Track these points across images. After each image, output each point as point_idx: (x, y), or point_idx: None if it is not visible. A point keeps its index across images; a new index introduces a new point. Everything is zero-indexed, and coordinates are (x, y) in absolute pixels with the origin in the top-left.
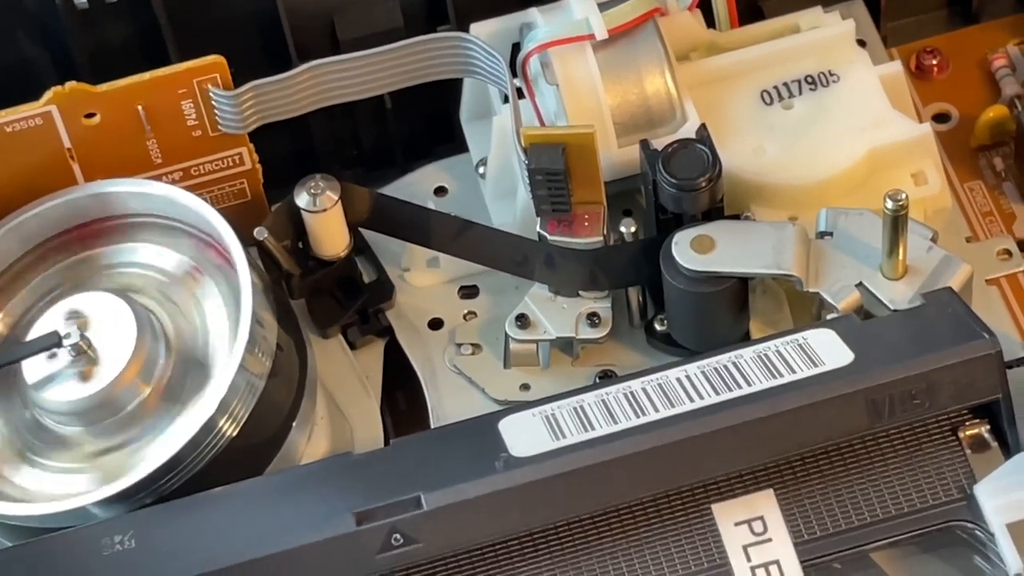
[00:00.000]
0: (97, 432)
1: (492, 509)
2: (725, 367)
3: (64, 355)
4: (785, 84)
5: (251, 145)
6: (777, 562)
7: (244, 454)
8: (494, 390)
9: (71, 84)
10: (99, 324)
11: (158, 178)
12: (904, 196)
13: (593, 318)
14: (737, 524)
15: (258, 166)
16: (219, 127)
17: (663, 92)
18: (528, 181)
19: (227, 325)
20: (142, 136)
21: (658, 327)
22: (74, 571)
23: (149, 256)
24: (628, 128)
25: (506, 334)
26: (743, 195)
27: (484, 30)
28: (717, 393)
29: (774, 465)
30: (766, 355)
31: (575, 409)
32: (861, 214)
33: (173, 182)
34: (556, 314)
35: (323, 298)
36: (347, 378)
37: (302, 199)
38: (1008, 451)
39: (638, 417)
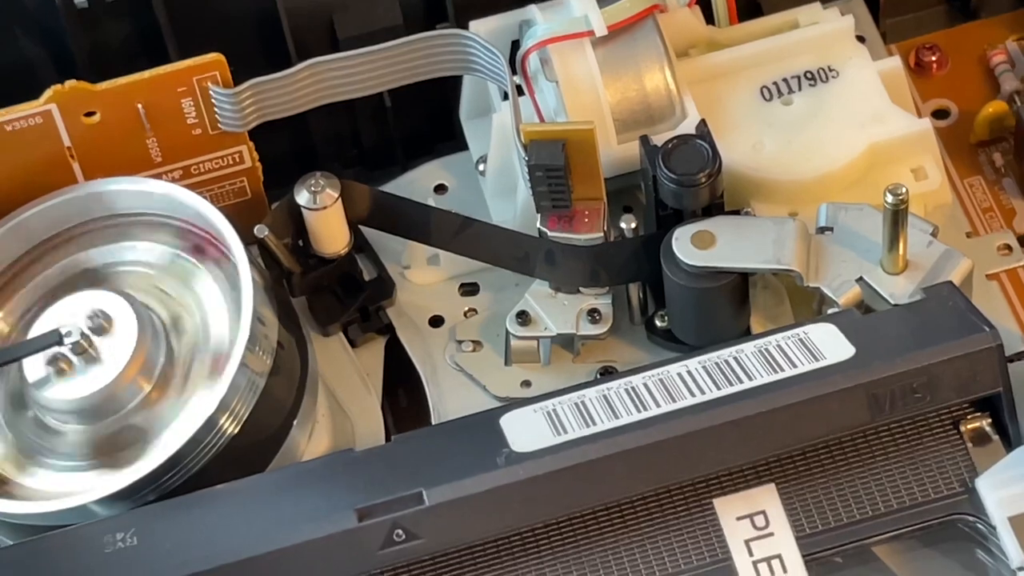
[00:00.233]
0: (98, 430)
1: (494, 504)
2: (726, 362)
3: (65, 353)
4: (784, 80)
5: (251, 143)
6: (779, 556)
7: (245, 452)
8: (495, 387)
9: (71, 83)
10: (100, 322)
11: (158, 176)
12: (904, 190)
13: (594, 314)
14: (739, 518)
15: (258, 164)
16: (219, 125)
17: (663, 88)
18: (528, 177)
19: (228, 323)
20: (142, 134)
21: (659, 323)
22: (76, 569)
23: (149, 255)
24: (628, 124)
25: (507, 331)
26: (743, 191)
27: (483, 27)
28: (718, 388)
29: (775, 459)
30: (767, 350)
31: (576, 404)
32: (861, 209)
33: (173, 180)
34: (557, 311)
35: (324, 296)
36: (348, 375)
37: (302, 197)
38: (1009, 444)
39: (639, 412)
